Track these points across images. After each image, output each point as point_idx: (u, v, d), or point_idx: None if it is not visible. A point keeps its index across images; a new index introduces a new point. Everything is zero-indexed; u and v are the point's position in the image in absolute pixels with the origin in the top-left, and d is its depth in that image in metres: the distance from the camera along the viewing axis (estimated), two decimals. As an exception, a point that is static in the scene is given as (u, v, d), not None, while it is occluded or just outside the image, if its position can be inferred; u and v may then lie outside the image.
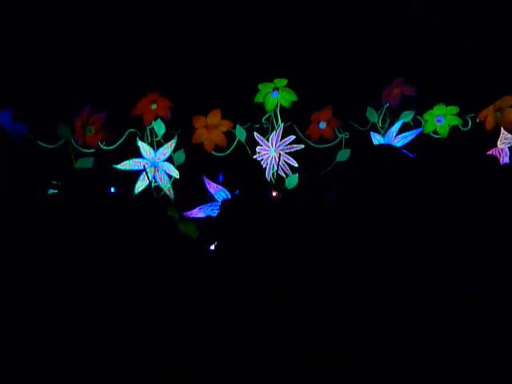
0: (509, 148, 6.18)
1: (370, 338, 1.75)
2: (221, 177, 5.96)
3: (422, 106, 6.37)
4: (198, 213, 5.65)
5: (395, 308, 1.74)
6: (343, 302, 1.81)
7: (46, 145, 5.82)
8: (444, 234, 1.78)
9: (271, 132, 6.24)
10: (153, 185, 5.98)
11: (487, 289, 1.75)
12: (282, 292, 2.02)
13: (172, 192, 6.06)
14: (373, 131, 6.34)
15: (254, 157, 6.22)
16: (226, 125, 6.11)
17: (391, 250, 1.79)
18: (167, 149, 6.06)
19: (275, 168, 6.17)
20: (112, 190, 5.19)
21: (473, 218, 1.82)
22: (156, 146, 6.09)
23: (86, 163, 5.84)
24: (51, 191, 5.44)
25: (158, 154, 6.05)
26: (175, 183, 6.09)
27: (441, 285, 1.75)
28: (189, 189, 5.94)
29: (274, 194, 5.59)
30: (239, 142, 6.19)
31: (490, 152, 6.07)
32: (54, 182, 5.54)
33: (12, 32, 6.03)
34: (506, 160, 6.11)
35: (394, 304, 1.74)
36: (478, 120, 6.37)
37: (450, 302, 1.73)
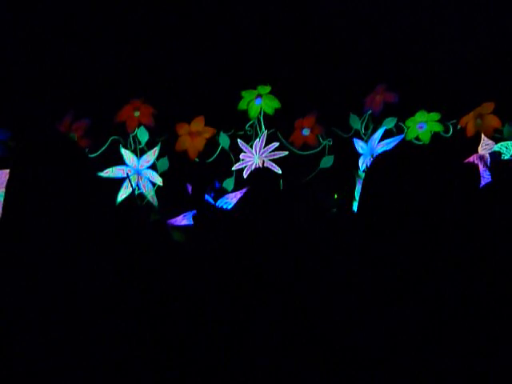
0: (489, 154, 6.25)
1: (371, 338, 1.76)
2: (217, 184, 5.96)
3: (404, 112, 6.43)
4: (182, 220, 5.64)
5: (398, 309, 1.76)
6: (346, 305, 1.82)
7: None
8: (422, 238, 1.80)
9: (255, 139, 6.26)
10: (136, 192, 5.95)
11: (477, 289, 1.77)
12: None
13: (155, 199, 6.04)
14: (356, 138, 6.39)
15: (238, 164, 6.22)
16: (209, 132, 6.12)
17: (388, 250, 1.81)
18: (151, 156, 6.04)
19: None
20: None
21: (448, 222, 1.85)
22: (139, 153, 6.08)
23: None
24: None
25: (141, 162, 6.03)
26: (159, 190, 6.07)
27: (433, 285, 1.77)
28: (172, 196, 5.93)
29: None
30: (223, 149, 6.20)
31: (470, 158, 6.13)
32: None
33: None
34: (487, 165, 6.19)
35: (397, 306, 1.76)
36: (459, 126, 6.44)
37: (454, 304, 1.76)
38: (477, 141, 6.30)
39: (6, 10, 6.04)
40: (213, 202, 5.85)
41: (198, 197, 4.79)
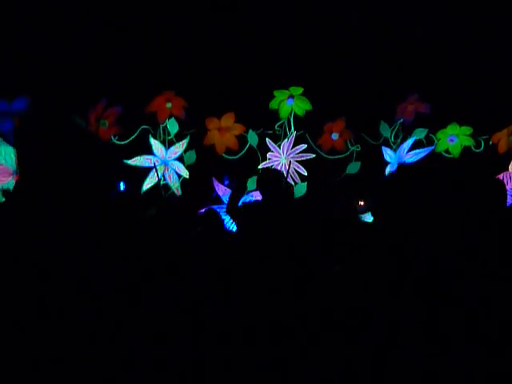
0: (520, 173, 6.16)
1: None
2: (226, 180, 5.98)
3: (435, 124, 6.37)
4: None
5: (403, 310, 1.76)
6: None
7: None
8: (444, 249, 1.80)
9: (283, 139, 6.26)
10: (161, 183, 6.00)
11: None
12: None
13: (180, 191, 6.08)
14: (385, 146, 6.34)
15: (264, 163, 6.23)
16: (238, 128, 6.14)
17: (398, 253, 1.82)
18: (179, 148, 6.08)
19: (285, 175, 6.17)
20: (121, 184, 5.22)
21: (470, 238, 1.84)
22: (168, 144, 6.12)
23: None
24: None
25: (169, 153, 6.08)
26: (184, 182, 6.11)
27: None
28: (197, 189, 5.96)
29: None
30: (251, 146, 6.21)
31: (500, 175, 6.05)
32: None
33: (33, 23, 6.09)
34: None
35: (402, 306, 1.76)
36: (490, 142, 6.36)
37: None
38: (508, 158, 6.21)
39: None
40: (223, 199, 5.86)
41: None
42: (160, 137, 6.13)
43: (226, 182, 5.83)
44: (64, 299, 2.21)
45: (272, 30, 6.44)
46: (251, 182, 6.02)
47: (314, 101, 6.18)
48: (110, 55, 6.22)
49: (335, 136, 6.27)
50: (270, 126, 6.30)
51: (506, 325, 1.76)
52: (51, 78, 5.96)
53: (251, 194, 5.78)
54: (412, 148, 6.29)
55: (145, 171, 6.01)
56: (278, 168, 6.21)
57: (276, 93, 6.24)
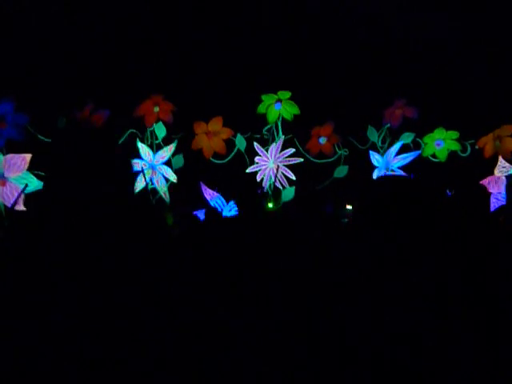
0: (505, 176, 6.21)
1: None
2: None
3: (422, 128, 6.41)
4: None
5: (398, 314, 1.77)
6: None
7: (45, 138, 5.82)
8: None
9: (271, 143, 6.27)
10: (149, 187, 5.98)
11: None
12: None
13: (168, 195, 6.06)
14: (372, 150, 6.37)
15: (252, 167, 6.23)
16: (226, 132, 6.13)
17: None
18: (166, 152, 6.07)
19: (272, 179, 6.18)
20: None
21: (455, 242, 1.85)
22: (155, 148, 6.11)
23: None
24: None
25: (156, 157, 6.06)
26: (172, 187, 6.09)
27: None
28: (185, 193, 5.95)
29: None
30: (238, 150, 6.22)
31: (486, 180, 6.09)
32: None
33: (21, 26, 6.05)
34: (502, 188, 6.14)
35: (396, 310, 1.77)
36: (476, 147, 6.41)
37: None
38: (494, 163, 6.26)
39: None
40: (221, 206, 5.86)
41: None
42: (148, 141, 6.11)
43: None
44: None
45: (259, 34, 6.46)
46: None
47: (302, 105, 6.20)
48: (98, 59, 6.20)
49: (323, 140, 6.29)
50: (257, 130, 6.31)
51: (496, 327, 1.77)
52: (38, 81, 5.92)
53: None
54: (399, 152, 6.33)
55: (132, 175, 5.98)
56: (266, 172, 6.23)
57: (264, 97, 6.25)
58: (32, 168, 5.56)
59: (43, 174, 5.62)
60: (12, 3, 6.06)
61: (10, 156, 5.46)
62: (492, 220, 2.11)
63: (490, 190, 5.77)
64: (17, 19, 6.04)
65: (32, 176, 5.56)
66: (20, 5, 6.06)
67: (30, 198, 5.10)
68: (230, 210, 5.90)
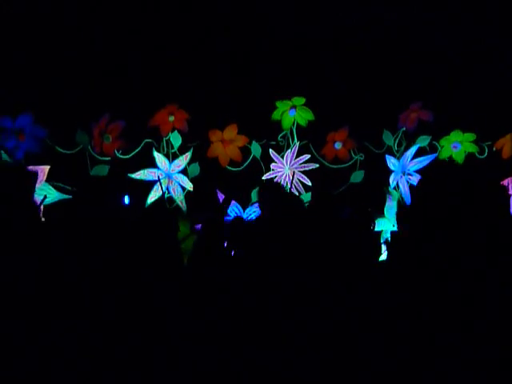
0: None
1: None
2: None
3: (438, 131, 6.37)
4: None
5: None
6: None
7: (63, 150, 5.89)
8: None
9: (286, 150, 6.27)
10: (166, 196, 6.00)
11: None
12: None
13: (184, 204, 6.08)
14: (388, 154, 6.34)
15: (268, 174, 6.24)
16: (241, 140, 6.15)
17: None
18: (182, 161, 6.10)
19: (288, 186, 6.18)
20: (126, 198, 5.23)
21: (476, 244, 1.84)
22: (171, 157, 6.14)
23: (101, 171, 5.90)
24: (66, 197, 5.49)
25: (172, 166, 6.09)
26: (188, 195, 6.11)
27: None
28: (201, 202, 5.96)
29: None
30: (254, 157, 6.22)
31: (504, 181, 6.03)
32: (70, 188, 5.60)
33: (37, 38, 6.13)
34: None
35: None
36: (494, 148, 6.35)
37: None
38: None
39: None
40: (239, 212, 5.87)
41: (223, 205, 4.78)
42: (163, 150, 6.14)
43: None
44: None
45: (273, 41, 6.47)
46: (254, 194, 6.03)
47: (317, 111, 6.19)
48: (112, 69, 6.26)
49: (338, 145, 6.27)
50: (273, 136, 6.31)
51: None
52: (54, 93, 5.99)
53: (255, 205, 5.77)
54: (415, 156, 6.28)
55: (149, 185, 6.02)
56: (282, 179, 6.22)
57: (278, 103, 6.25)
58: (51, 179, 5.63)
59: (62, 185, 5.69)
60: (27, 14, 6.14)
61: (28, 168, 5.53)
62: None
63: (510, 192, 5.71)
64: (33, 30, 6.12)
65: (51, 187, 5.64)
66: (34, 15, 6.14)
67: (49, 209, 5.15)
68: (247, 217, 5.91)
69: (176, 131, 6.10)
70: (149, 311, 2.24)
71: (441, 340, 1.76)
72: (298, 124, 6.25)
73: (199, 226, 5.70)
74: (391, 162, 6.30)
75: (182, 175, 6.10)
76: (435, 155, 6.33)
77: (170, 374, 2.17)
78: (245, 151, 6.20)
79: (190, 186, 6.08)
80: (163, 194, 5.90)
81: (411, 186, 6.16)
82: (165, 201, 5.91)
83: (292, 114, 6.24)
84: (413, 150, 6.27)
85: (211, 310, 2.31)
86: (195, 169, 6.12)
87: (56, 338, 2.16)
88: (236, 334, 2.19)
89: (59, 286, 2.29)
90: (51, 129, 5.80)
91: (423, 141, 6.34)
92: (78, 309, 2.24)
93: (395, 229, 5.38)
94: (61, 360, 2.13)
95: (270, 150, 6.24)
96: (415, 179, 6.14)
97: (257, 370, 2.04)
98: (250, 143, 6.20)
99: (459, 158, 6.38)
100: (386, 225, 6.02)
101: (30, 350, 2.16)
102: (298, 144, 6.25)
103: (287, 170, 6.22)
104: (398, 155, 6.35)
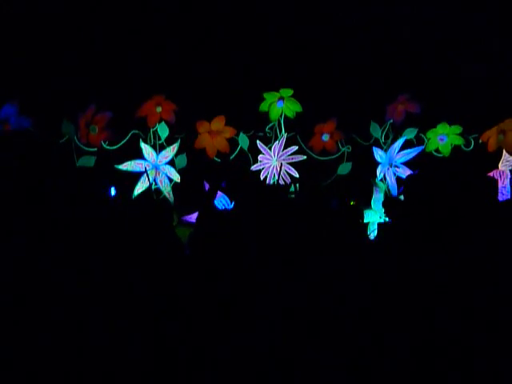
0: (510, 170, 6.19)
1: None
2: (223, 184, 5.95)
3: (425, 123, 6.39)
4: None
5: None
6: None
7: (49, 141, 5.83)
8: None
9: (274, 141, 6.26)
10: (153, 187, 5.98)
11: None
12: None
13: (172, 195, 6.06)
14: (375, 146, 6.36)
15: (255, 165, 6.23)
16: (229, 131, 6.13)
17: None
18: (169, 152, 6.07)
19: (276, 177, 6.18)
20: (112, 190, 5.20)
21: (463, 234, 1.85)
22: (158, 148, 6.11)
23: (87, 162, 5.86)
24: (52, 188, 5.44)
25: (160, 157, 6.06)
26: (175, 187, 6.09)
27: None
28: (189, 193, 5.95)
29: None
30: (242, 149, 6.21)
31: (490, 174, 6.08)
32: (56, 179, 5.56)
33: (22, 28, 6.07)
34: (507, 182, 6.13)
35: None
36: (480, 141, 6.39)
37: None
38: (498, 157, 6.24)
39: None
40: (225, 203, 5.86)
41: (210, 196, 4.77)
42: (150, 141, 6.11)
43: (223, 185, 5.77)
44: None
45: (261, 32, 6.45)
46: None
47: (304, 102, 6.19)
48: (99, 60, 6.21)
49: (326, 137, 6.28)
50: (260, 128, 6.30)
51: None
52: (40, 84, 5.93)
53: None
54: (402, 148, 6.31)
55: (136, 176, 5.99)
56: (270, 170, 6.22)
57: (266, 95, 6.24)
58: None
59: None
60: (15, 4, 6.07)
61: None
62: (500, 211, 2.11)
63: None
64: (18, 20, 6.05)
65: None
66: (18, 4, 6.07)
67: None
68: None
69: (163, 122, 6.07)
70: (151, 305, 2.24)
71: (439, 333, 1.77)
72: (285, 115, 6.24)
73: (187, 217, 5.71)
74: (378, 153, 6.32)
75: (169, 166, 6.08)
76: (422, 147, 6.36)
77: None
78: (232, 143, 6.18)
79: (177, 178, 6.05)
80: (150, 185, 5.88)
81: (398, 178, 6.19)
82: (152, 192, 5.89)
83: (280, 105, 6.23)
84: (400, 142, 6.29)
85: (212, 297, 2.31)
86: (182, 160, 6.10)
87: (56, 338, 2.16)
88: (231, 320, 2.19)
89: (59, 283, 2.28)
90: (37, 119, 5.74)
91: (410, 133, 6.36)
92: (77, 306, 2.23)
93: (382, 221, 5.42)
94: (61, 360, 2.13)
95: (258, 141, 6.24)
96: (402, 171, 6.17)
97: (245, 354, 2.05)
98: (238, 135, 6.19)
99: (445, 150, 6.41)
100: (373, 217, 6.05)
101: (30, 350, 2.15)
102: (285, 136, 6.24)
103: (275, 161, 6.22)
104: (385, 147, 6.37)
